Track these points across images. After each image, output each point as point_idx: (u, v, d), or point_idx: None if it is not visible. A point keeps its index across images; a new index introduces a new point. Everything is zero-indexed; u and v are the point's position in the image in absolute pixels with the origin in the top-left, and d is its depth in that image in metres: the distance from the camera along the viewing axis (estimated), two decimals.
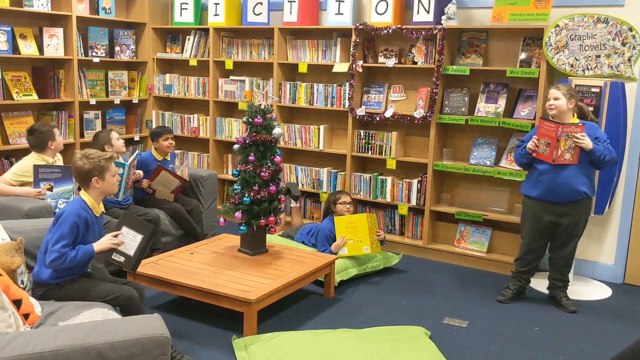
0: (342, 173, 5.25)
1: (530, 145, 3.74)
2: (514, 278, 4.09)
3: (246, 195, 3.79)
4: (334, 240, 4.33)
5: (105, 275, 3.29)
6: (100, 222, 3.00)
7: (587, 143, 3.59)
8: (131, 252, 2.92)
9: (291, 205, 5.19)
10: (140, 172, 4.54)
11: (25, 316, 2.51)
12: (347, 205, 4.46)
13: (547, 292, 4.10)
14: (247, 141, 3.82)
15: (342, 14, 5.07)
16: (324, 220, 4.55)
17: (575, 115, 3.77)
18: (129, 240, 2.92)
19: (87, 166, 2.87)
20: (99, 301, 2.83)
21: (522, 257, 4.02)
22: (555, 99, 3.70)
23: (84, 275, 2.97)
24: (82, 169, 2.88)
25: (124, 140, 4.51)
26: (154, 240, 4.35)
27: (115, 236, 2.91)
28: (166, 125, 5.89)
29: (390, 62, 4.89)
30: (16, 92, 4.91)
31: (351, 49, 4.97)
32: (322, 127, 5.29)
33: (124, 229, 2.94)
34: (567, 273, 3.96)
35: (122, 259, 2.92)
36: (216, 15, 5.61)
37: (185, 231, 4.68)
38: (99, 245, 2.87)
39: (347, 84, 5.06)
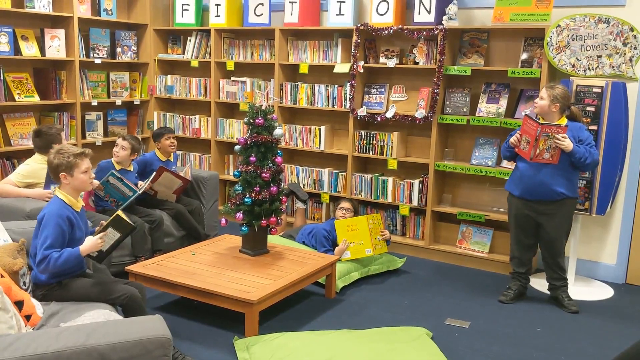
0: (343, 173, 5.25)
1: (512, 140, 3.80)
2: (514, 278, 4.09)
3: (247, 196, 3.79)
4: (332, 240, 4.34)
5: (107, 275, 3.29)
6: (83, 216, 2.98)
7: (567, 145, 3.60)
8: (104, 248, 2.93)
9: (298, 206, 5.19)
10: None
11: (27, 317, 2.51)
12: (343, 211, 4.51)
13: (548, 292, 4.10)
14: (249, 142, 3.82)
15: (343, 14, 5.07)
16: (324, 222, 4.57)
17: (565, 116, 3.78)
18: (109, 238, 2.93)
19: (56, 161, 2.85)
20: (101, 301, 2.83)
21: (513, 256, 4.07)
22: (540, 98, 3.75)
23: (83, 275, 2.96)
24: (51, 163, 2.87)
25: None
26: (157, 241, 4.36)
27: (101, 237, 2.88)
28: (167, 126, 5.89)
29: (392, 63, 4.89)
30: (18, 93, 4.92)
31: (352, 49, 4.97)
32: (323, 127, 5.29)
33: (110, 230, 2.93)
34: (562, 272, 3.95)
35: (95, 253, 2.94)
36: (217, 16, 5.61)
37: (188, 232, 4.68)
38: (85, 248, 2.82)
39: (348, 84, 5.06)
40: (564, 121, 3.74)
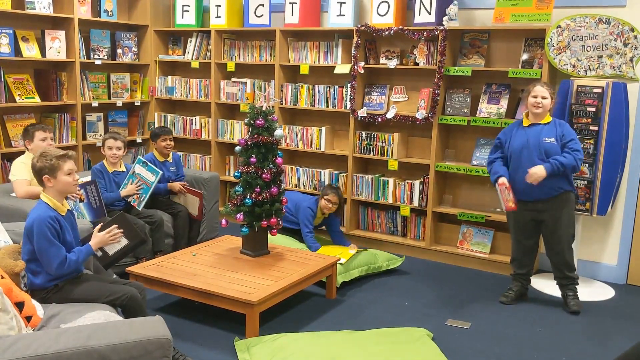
0: (344, 174, 5.25)
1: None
2: (514, 279, 4.09)
3: (248, 196, 3.79)
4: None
5: (107, 276, 3.29)
6: (70, 220, 2.96)
7: (538, 175, 3.63)
8: (110, 252, 2.93)
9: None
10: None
11: (28, 319, 2.52)
12: (330, 205, 4.51)
13: (549, 293, 4.09)
14: (249, 143, 3.82)
15: (343, 15, 5.07)
16: (308, 199, 4.60)
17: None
18: (117, 244, 2.92)
19: (39, 164, 2.83)
20: (100, 301, 2.84)
21: (514, 258, 4.05)
22: (544, 97, 3.73)
23: (79, 277, 2.96)
24: (34, 167, 2.84)
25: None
26: (157, 242, 4.35)
27: (109, 232, 2.90)
28: (167, 127, 5.88)
29: (392, 63, 4.89)
30: (18, 94, 4.93)
31: (353, 50, 4.97)
32: (323, 128, 5.29)
33: (121, 236, 2.92)
34: (569, 271, 3.91)
35: (99, 253, 2.93)
36: (218, 17, 5.62)
37: (177, 234, 4.62)
38: (95, 242, 2.87)
39: (349, 85, 5.06)
40: (549, 118, 3.77)
